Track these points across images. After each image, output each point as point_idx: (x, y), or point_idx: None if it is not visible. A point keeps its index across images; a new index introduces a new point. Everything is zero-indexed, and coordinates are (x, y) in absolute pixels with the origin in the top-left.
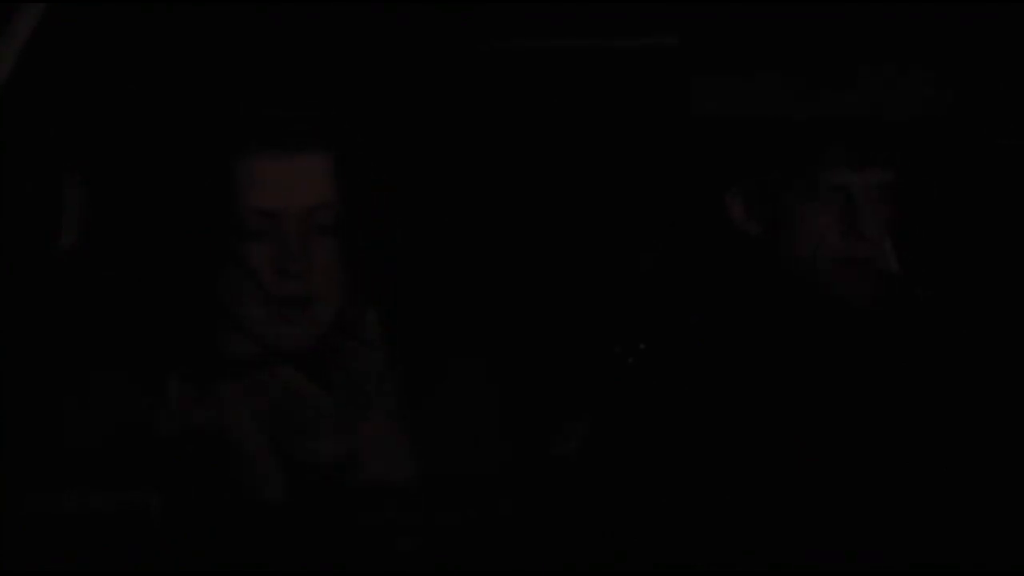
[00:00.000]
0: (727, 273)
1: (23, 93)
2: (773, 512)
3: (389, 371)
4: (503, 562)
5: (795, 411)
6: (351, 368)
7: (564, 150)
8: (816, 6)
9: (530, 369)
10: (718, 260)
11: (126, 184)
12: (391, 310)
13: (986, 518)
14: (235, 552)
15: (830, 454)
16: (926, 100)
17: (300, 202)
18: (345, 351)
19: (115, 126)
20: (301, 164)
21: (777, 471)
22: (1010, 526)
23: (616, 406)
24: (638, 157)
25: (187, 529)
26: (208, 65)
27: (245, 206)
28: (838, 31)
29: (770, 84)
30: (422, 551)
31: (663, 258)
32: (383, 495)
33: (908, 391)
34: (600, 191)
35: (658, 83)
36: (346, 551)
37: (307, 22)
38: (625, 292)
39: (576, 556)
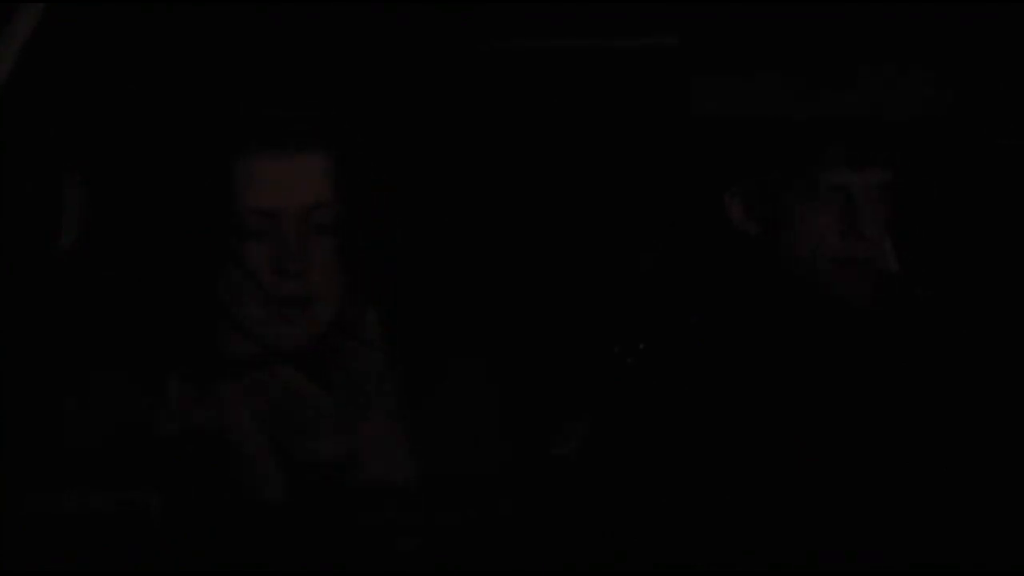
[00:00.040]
0: (727, 273)
1: (23, 93)
2: (773, 512)
3: (389, 371)
4: (503, 562)
5: (795, 411)
6: (351, 368)
7: (564, 150)
8: (816, 6)
9: (530, 369)
10: (718, 260)
11: (126, 184)
12: (391, 310)
13: (986, 518)
14: (235, 552)
15: (830, 454)
16: (926, 100)
17: (299, 202)
18: (345, 351)
19: (115, 126)
20: (300, 164)
21: (777, 471)
22: (1010, 526)
23: (616, 406)
24: (638, 157)
25: (187, 529)
26: (207, 65)
27: (244, 206)
28: (838, 31)
29: (770, 84)
30: (422, 551)
31: (663, 258)
32: (383, 495)
33: (908, 391)
34: (600, 191)
35: (658, 83)
36: (346, 551)
37: (307, 22)
38: (625, 292)
39: (576, 556)
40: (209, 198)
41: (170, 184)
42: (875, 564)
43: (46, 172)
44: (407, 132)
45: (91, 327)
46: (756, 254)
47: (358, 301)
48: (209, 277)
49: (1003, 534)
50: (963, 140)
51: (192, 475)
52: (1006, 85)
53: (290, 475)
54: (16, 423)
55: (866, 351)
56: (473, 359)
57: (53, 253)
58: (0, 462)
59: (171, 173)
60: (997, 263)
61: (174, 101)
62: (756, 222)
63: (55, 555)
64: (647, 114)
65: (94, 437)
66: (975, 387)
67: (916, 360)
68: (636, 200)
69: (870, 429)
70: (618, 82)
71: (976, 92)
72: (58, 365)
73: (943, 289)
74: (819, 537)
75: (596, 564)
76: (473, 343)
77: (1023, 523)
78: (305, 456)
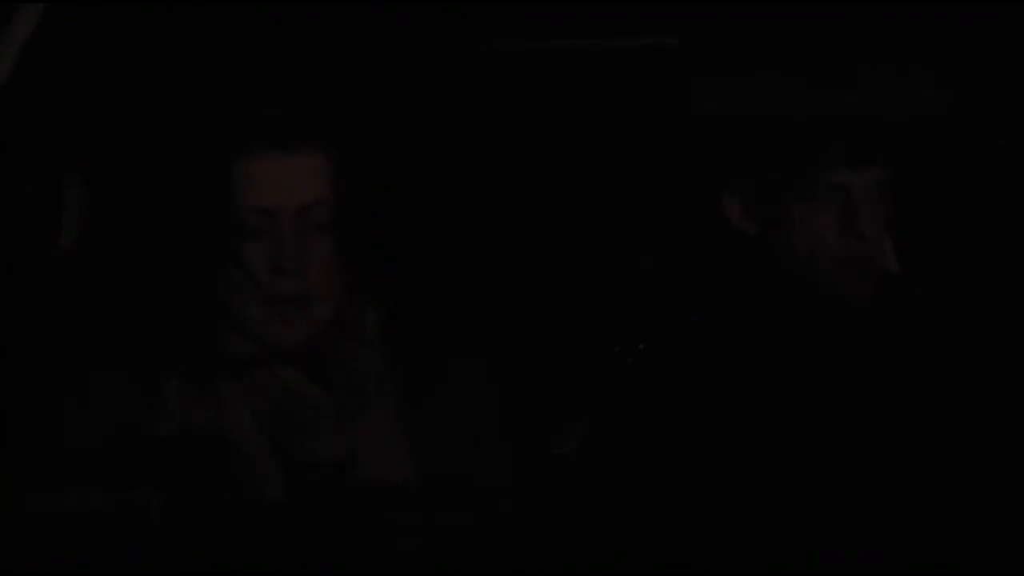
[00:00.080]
0: (727, 273)
1: (23, 93)
2: (773, 512)
3: (389, 371)
4: (503, 562)
5: (795, 411)
6: (351, 368)
7: (564, 150)
8: (816, 6)
9: (530, 369)
10: (718, 260)
11: (126, 184)
12: (391, 310)
13: (986, 518)
14: (235, 552)
15: (830, 454)
16: (926, 100)
17: (297, 200)
18: (345, 351)
19: (115, 126)
20: (298, 162)
21: (777, 471)
22: (1010, 526)
23: (616, 406)
24: (638, 157)
25: (187, 529)
26: (206, 64)
27: (243, 204)
28: (838, 31)
29: (770, 84)
30: (422, 551)
31: (663, 258)
32: (383, 495)
33: (908, 391)
34: (600, 191)
35: (658, 83)
36: (346, 551)
37: (306, 21)
38: (625, 292)
39: (576, 556)
40: (209, 197)
41: (170, 184)
42: (875, 564)
43: (46, 172)
44: (407, 132)
45: (91, 327)
46: (756, 254)
47: (358, 301)
48: (209, 277)
49: (1003, 534)
50: (963, 140)
51: (192, 475)
52: (1006, 85)
53: (290, 475)
54: (16, 423)
55: (866, 351)
56: (473, 359)
57: (53, 253)
58: (0, 462)
59: (170, 173)
60: (997, 263)
61: (173, 101)
62: (755, 222)
63: (55, 555)
64: (647, 114)
65: (94, 437)
66: (975, 387)
67: (916, 360)
68: (636, 200)
69: (870, 429)
70: (618, 82)
71: (976, 92)
72: (58, 365)
73: (943, 289)
74: (819, 537)
75: (596, 564)
76: (473, 343)
77: (1023, 523)
78: (305, 456)
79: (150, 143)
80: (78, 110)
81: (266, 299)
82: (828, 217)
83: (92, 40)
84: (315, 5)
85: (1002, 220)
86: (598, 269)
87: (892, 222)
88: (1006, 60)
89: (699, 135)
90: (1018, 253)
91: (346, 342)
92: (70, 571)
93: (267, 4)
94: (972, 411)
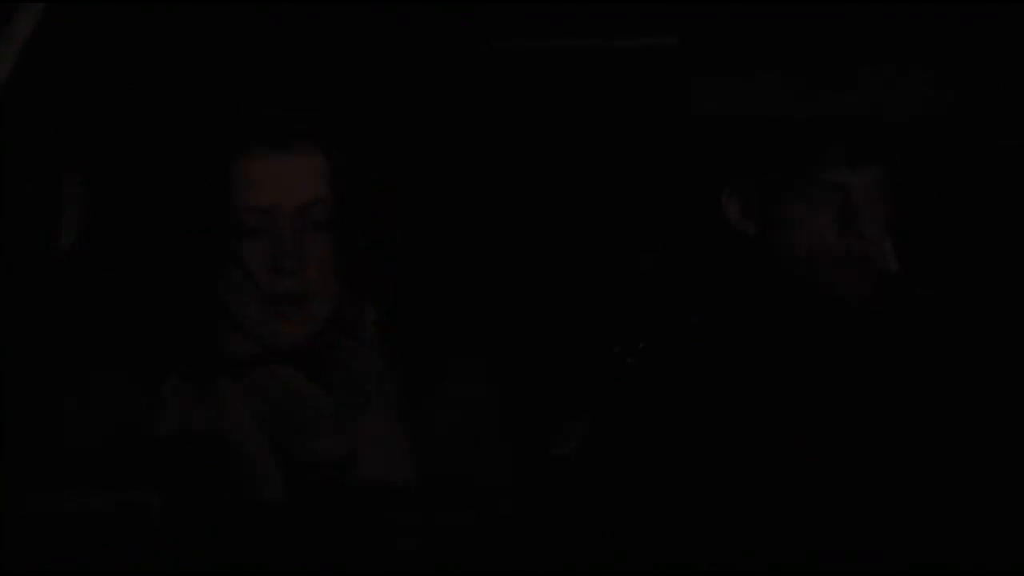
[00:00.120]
0: (727, 273)
1: (23, 93)
2: (773, 511)
3: (389, 371)
4: (503, 562)
5: (795, 410)
6: (351, 368)
7: (564, 150)
8: (816, 6)
9: (530, 369)
10: (718, 260)
11: (126, 184)
12: (390, 310)
13: (986, 518)
14: (235, 552)
15: (830, 453)
16: (926, 100)
17: (296, 200)
18: (344, 350)
19: (115, 126)
20: (297, 161)
21: (777, 471)
22: (1010, 526)
23: (616, 406)
24: (638, 157)
25: (187, 529)
26: (206, 64)
27: (241, 204)
28: (838, 31)
29: (770, 84)
30: (422, 551)
31: (663, 258)
32: (383, 495)
33: (908, 390)
34: (600, 191)
35: (658, 83)
36: (346, 551)
37: (306, 21)
38: (625, 292)
39: (576, 556)
40: (208, 197)
41: (169, 183)
42: (874, 564)
43: (46, 172)
44: (407, 131)
45: (91, 327)
46: (755, 254)
47: (357, 300)
48: (208, 276)
49: (1003, 534)
50: (963, 140)
51: (192, 475)
52: (1006, 85)
53: (290, 475)
54: (16, 423)
55: (866, 351)
56: (473, 359)
57: (53, 253)
58: (0, 462)
59: (170, 172)
60: (997, 263)
61: (173, 101)
62: (754, 222)
63: (55, 555)
64: (647, 114)
65: (94, 437)
66: (974, 387)
67: (916, 360)
68: (636, 200)
69: (869, 428)
70: (618, 82)
71: (976, 92)
72: (58, 365)
73: (943, 289)
74: (819, 537)
75: (596, 564)
76: (473, 343)
77: (1023, 523)
78: (305, 456)
79: (150, 143)
80: (78, 110)
81: (265, 298)
82: (827, 217)
83: (92, 40)
84: (315, 5)
85: (1002, 220)
86: (598, 269)
87: (892, 222)
88: (1006, 60)
89: (699, 135)
90: (1018, 253)
91: (346, 342)
92: (70, 571)
93: (267, 4)
94: (972, 411)
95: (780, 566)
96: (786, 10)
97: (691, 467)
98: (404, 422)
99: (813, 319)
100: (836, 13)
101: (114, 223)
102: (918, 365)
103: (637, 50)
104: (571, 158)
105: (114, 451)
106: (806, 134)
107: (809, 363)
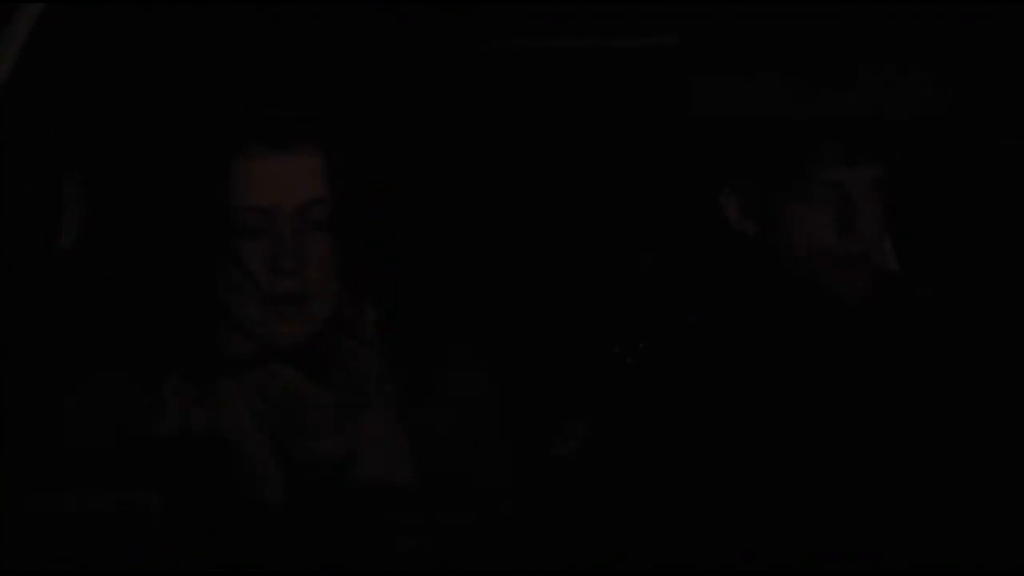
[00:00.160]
0: (727, 273)
1: (23, 93)
2: (773, 511)
3: (389, 371)
4: (503, 562)
5: (795, 410)
6: (351, 368)
7: (564, 150)
8: (816, 6)
9: (530, 369)
10: (718, 260)
11: (126, 184)
12: (390, 310)
13: (986, 518)
14: (235, 552)
15: (830, 453)
16: (926, 100)
17: (296, 199)
18: (344, 350)
19: (115, 126)
20: (297, 162)
21: (777, 470)
22: (1010, 526)
23: (616, 406)
24: (638, 157)
25: (187, 529)
26: (205, 64)
27: (241, 203)
28: (838, 31)
29: (770, 84)
30: (422, 551)
31: (663, 258)
32: (383, 495)
33: (907, 390)
34: (600, 191)
35: (658, 83)
36: (346, 551)
37: (306, 21)
38: (625, 292)
39: (576, 556)
40: (208, 197)
41: (169, 183)
42: (874, 564)
43: (46, 172)
44: (407, 131)
45: (91, 327)
46: (754, 253)
47: (357, 300)
48: (208, 276)
49: (1003, 534)
50: (963, 140)
51: (192, 475)
52: (1006, 85)
53: (290, 475)
54: (16, 423)
55: (865, 350)
56: (473, 359)
57: (53, 253)
58: (0, 462)
59: (170, 172)
60: (997, 263)
61: (173, 100)
62: (753, 221)
63: (55, 555)
64: (647, 114)
65: (94, 437)
66: (974, 386)
67: (915, 359)
68: (636, 200)
69: (869, 428)
70: (618, 82)
71: (976, 92)
72: (58, 365)
73: (943, 289)
74: (819, 536)
75: (596, 564)
76: (473, 343)
77: (1023, 523)
78: (305, 456)
79: (150, 143)
80: (78, 110)
81: (265, 298)
82: (826, 216)
83: (92, 40)
84: (315, 5)
85: (1002, 220)
86: (598, 269)
87: (891, 221)
88: (1006, 60)
89: (699, 135)
90: (1018, 253)
91: (346, 342)
92: (70, 571)
93: (267, 4)
94: (971, 410)
95: (780, 566)
96: (786, 10)
97: (691, 467)
98: (404, 422)
99: (813, 319)
100: (836, 13)
101: (114, 223)
102: (918, 365)
103: (637, 50)
104: (571, 158)
105: (114, 451)
106: (806, 134)
107: (809, 363)
